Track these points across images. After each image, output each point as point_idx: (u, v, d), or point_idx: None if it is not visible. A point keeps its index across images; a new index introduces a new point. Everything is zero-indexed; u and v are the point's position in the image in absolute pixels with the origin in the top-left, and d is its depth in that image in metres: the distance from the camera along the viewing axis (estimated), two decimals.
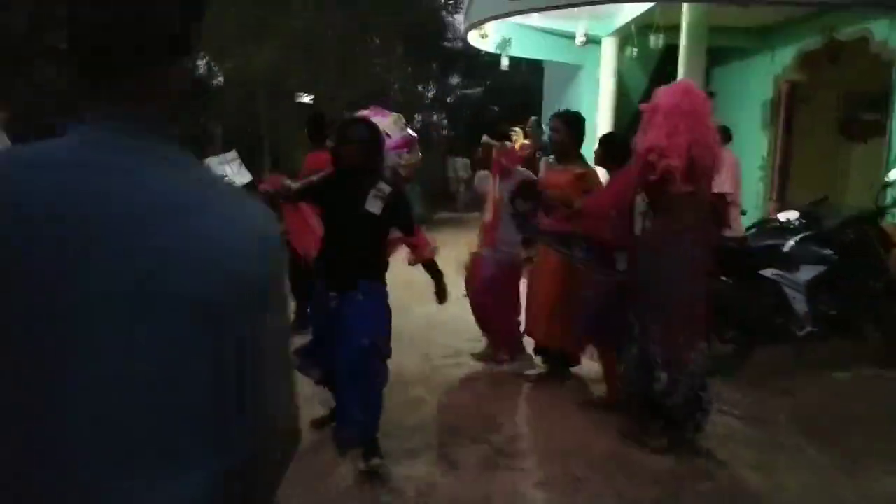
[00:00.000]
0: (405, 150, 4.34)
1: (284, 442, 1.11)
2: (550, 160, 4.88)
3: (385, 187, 3.34)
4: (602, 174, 4.67)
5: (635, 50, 9.60)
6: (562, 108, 5.06)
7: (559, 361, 4.88)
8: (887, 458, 3.68)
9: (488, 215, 4.92)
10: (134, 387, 0.91)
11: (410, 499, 3.19)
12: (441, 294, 3.79)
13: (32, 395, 0.87)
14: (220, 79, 14.86)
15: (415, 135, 4.55)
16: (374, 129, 3.46)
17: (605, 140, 4.65)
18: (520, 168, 5.02)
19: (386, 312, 3.39)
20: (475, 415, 4.22)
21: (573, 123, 4.62)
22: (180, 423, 0.95)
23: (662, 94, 3.81)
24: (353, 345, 3.14)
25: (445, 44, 20.42)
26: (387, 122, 4.18)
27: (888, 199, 5.63)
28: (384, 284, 3.43)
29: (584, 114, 4.79)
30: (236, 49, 12.86)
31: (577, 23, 9.58)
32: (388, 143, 3.91)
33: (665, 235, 3.71)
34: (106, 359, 0.89)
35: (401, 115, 4.53)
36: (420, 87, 19.98)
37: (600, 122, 9.91)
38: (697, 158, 3.61)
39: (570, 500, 3.21)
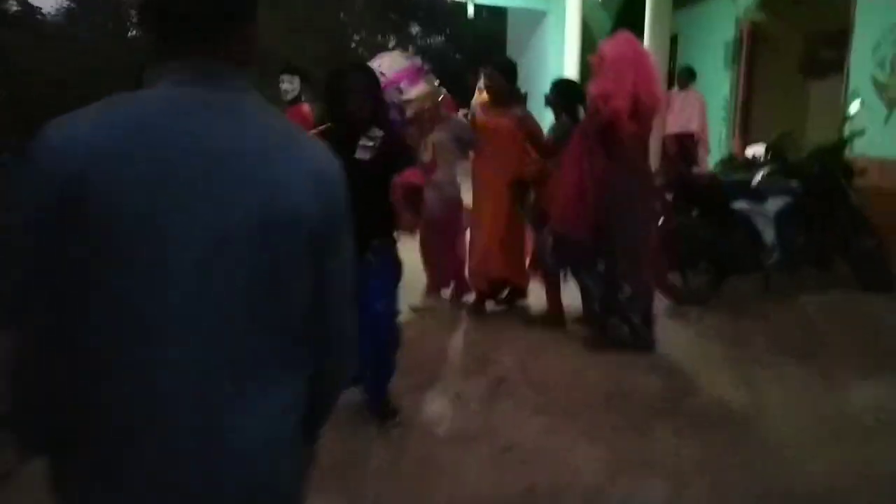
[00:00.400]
0: (405, 82, 3.72)
1: (349, 354, 1.27)
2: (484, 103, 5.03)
3: (376, 132, 3.10)
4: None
5: None
6: (525, 56, 5.19)
7: (507, 298, 5.20)
8: (858, 372, 3.97)
9: (427, 156, 4.95)
10: (258, 299, 1.04)
11: (420, 429, 3.36)
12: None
13: (173, 306, 0.99)
14: None
15: (420, 64, 3.99)
16: (369, 72, 3.28)
17: (556, 85, 4.97)
18: (455, 116, 5.25)
19: (396, 270, 3.29)
20: (470, 353, 4.40)
21: (507, 70, 4.85)
22: (287, 333, 1.09)
23: (606, 45, 4.33)
24: (367, 310, 2.87)
25: None
26: (385, 61, 3.75)
27: (848, 133, 5.87)
28: (393, 239, 3.29)
29: (550, 59, 4.93)
30: None
31: None
32: (384, 80, 3.49)
33: (616, 173, 4.11)
34: (230, 276, 1.01)
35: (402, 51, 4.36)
36: (380, 38, 19.72)
37: (567, 67, 9.98)
38: (641, 100, 4.06)
39: (571, 424, 3.41)
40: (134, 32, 8.24)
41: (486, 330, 4.83)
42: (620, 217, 4.15)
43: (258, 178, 1.02)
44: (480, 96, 5.32)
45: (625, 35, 4.41)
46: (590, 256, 4.30)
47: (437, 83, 4.03)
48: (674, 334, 4.68)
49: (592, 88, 4.20)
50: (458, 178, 5.09)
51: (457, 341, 4.61)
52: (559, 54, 10.00)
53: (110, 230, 0.94)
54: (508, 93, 4.87)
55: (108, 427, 1.00)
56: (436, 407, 3.60)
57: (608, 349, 4.32)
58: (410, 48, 22.31)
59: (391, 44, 21.15)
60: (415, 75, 3.79)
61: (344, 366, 1.28)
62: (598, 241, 4.20)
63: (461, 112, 5.90)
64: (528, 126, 4.79)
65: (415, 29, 22.39)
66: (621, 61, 4.11)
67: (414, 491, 2.81)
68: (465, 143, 4.93)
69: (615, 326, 4.37)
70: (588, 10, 10.47)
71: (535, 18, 12.06)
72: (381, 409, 3.37)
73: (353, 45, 15.15)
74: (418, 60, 3.98)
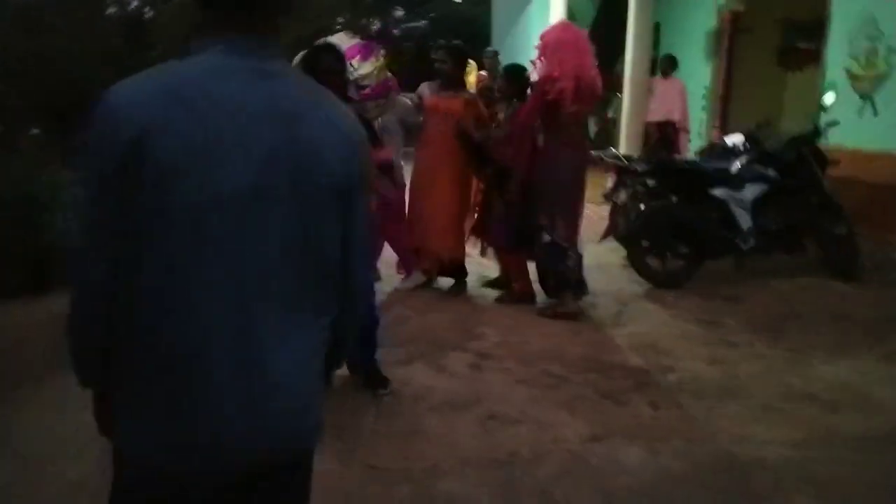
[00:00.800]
0: (357, 58, 3.96)
1: (364, 303, 1.43)
2: (432, 86, 5.22)
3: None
4: None
5: None
6: (508, 41, 5.34)
7: (456, 276, 5.32)
8: (827, 350, 4.15)
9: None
10: (293, 248, 1.17)
11: (410, 398, 3.48)
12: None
13: (216, 250, 1.11)
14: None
15: (371, 41, 4.27)
16: (339, 52, 3.44)
17: (508, 71, 5.19)
18: (400, 96, 5.38)
19: (375, 243, 3.36)
20: (453, 327, 4.53)
21: (458, 55, 5.13)
22: (318, 279, 1.23)
23: (547, 32, 4.74)
24: None
25: None
26: (334, 39, 3.97)
27: (823, 123, 6.05)
28: None
29: (533, 45, 5.05)
30: None
31: None
32: None
33: (558, 148, 4.56)
34: (266, 223, 1.14)
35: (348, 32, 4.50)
36: (363, 21, 19.62)
37: None
38: (582, 83, 4.47)
39: (553, 394, 3.55)
40: (110, 11, 8.16)
41: (464, 308, 4.97)
42: (562, 187, 4.58)
43: (292, 136, 1.14)
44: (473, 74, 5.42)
45: (563, 22, 4.95)
46: (537, 229, 4.63)
47: (383, 59, 4.21)
48: (651, 315, 4.85)
49: (538, 72, 4.61)
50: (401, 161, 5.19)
51: (439, 319, 4.73)
52: None
53: (164, 181, 1.06)
54: (457, 76, 5.14)
55: (159, 359, 1.12)
56: (423, 378, 3.71)
57: (582, 323, 4.55)
58: (395, 31, 22.28)
59: (374, 26, 21.08)
60: (367, 51, 4.03)
61: (360, 314, 1.41)
62: (541, 212, 4.59)
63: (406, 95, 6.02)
64: (476, 109, 5.06)
65: (398, 12, 22.31)
66: (563, 46, 4.52)
67: (402, 454, 2.93)
68: (409, 125, 5.07)
69: (569, 297, 4.72)
70: None
71: (520, 4, 12.16)
72: (371, 379, 3.50)
73: (338, 28, 15.04)
74: (365, 40, 4.21)
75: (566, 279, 4.70)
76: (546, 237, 4.60)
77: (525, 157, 4.61)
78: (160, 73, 1.13)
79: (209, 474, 1.17)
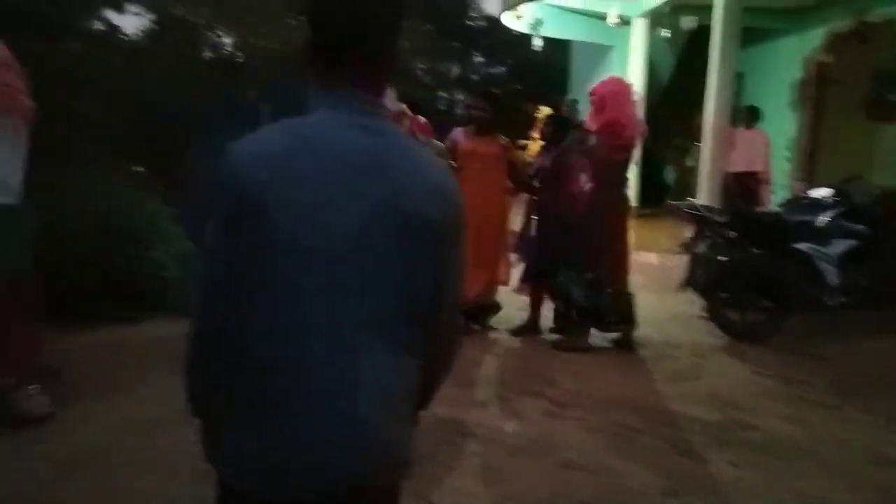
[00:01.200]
0: None
1: (455, 348, 1.50)
2: (466, 131, 5.37)
3: None
4: None
5: (667, 31, 9.78)
6: (588, 87, 5.49)
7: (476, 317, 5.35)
8: None
9: None
10: (391, 293, 1.27)
11: (483, 440, 3.51)
12: None
13: (321, 286, 1.21)
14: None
15: (402, 107, 4.76)
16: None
17: (552, 120, 5.66)
18: (432, 140, 5.77)
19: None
20: (523, 371, 4.57)
21: (496, 102, 5.33)
22: (415, 323, 1.31)
23: (603, 85, 5.01)
24: None
25: (468, 22, 20.54)
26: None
27: None
28: None
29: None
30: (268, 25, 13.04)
31: (610, 3, 9.76)
32: None
33: (604, 192, 4.81)
34: (366, 264, 1.23)
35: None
36: (444, 66, 20.14)
37: None
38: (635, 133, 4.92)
39: (627, 445, 3.51)
40: (207, 55, 8.68)
41: (529, 351, 4.99)
42: (607, 231, 4.87)
43: (393, 188, 1.24)
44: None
45: (613, 76, 5.45)
46: (579, 266, 4.85)
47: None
48: (730, 369, 4.74)
49: (597, 120, 4.84)
50: None
51: (505, 362, 4.77)
52: None
53: (278, 230, 1.17)
54: (495, 122, 5.31)
55: (264, 392, 1.22)
56: (496, 422, 3.74)
57: (659, 373, 4.48)
58: (474, 77, 22.76)
59: (454, 72, 21.60)
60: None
61: (451, 358, 1.48)
62: (587, 252, 4.84)
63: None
64: (512, 154, 5.37)
65: (478, 58, 22.79)
66: (621, 97, 4.90)
67: (471, 492, 2.96)
68: None
69: (587, 333, 4.97)
70: (653, 46, 10.61)
71: (600, 52, 12.26)
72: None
73: (419, 72, 15.51)
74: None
75: (594, 315, 4.90)
76: (589, 274, 4.82)
77: (572, 195, 4.89)
78: (279, 131, 1.24)
79: (299, 498, 1.24)
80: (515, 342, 5.20)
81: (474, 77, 22.85)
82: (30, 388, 3.45)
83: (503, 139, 5.35)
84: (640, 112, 5.16)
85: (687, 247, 5.82)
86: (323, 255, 1.20)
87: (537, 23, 11.11)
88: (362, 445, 1.25)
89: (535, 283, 5.26)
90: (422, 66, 16.61)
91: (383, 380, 1.27)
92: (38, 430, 3.35)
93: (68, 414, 3.51)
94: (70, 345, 4.34)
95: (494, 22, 11.98)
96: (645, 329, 5.21)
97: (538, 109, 9.86)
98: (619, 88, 5.00)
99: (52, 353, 3.78)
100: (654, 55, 10.90)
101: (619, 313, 4.96)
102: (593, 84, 5.11)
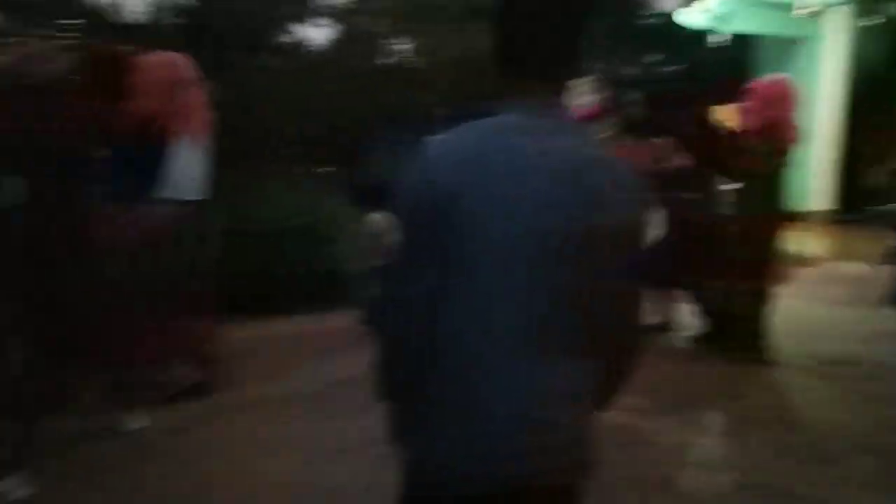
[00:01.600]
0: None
1: (636, 348, 1.45)
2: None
3: None
4: None
5: (867, 20, 8.89)
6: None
7: None
8: None
9: None
10: (572, 293, 1.25)
11: (658, 450, 3.36)
12: None
13: (506, 289, 1.22)
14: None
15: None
16: None
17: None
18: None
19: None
20: (702, 381, 4.32)
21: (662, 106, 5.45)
22: (596, 324, 1.28)
23: (764, 84, 4.71)
24: None
25: (640, 21, 19.83)
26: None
27: None
28: None
29: (805, 89, 4.80)
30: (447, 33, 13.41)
31: None
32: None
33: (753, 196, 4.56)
34: (557, 273, 1.23)
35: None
36: (617, 65, 19.62)
37: (823, 97, 9.30)
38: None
39: (822, 470, 3.18)
40: (383, 61, 9.05)
41: (710, 361, 4.68)
42: (753, 240, 4.54)
43: (578, 189, 1.23)
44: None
45: (778, 75, 5.18)
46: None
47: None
48: None
49: (754, 121, 4.53)
50: None
51: (680, 369, 4.52)
52: (813, 84, 9.32)
53: (466, 233, 1.20)
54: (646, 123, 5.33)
55: (451, 391, 1.26)
56: (674, 434, 3.56)
57: (863, 395, 4.09)
58: (649, 77, 21.99)
59: (628, 71, 20.99)
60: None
61: (631, 364, 1.44)
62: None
63: None
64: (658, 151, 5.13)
65: (653, 57, 22.00)
66: (780, 97, 4.54)
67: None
68: None
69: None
70: (853, 37, 9.70)
71: (786, 46, 11.38)
72: None
73: (597, 73, 15.23)
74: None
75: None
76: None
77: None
78: (469, 133, 1.26)
79: (484, 484, 1.25)
80: (694, 350, 4.92)
81: (648, 77, 22.09)
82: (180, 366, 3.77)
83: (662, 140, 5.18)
84: (797, 116, 4.62)
85: (892, 257, 5.29)
86: (516, 259, 1.21)
87: (723, 17, 10.51)
88: (541, 442, 1.25)
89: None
90: (597, 66, 16.28)
91: (565, 383, 1.27)
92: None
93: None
94: (251, 333, 4.74)
95: (668, 18, 11.46)
96: (841, 346, 4.82)
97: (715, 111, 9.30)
98: (782, 89, 4.65)
99: (229, 342, 4.11)
100: (855, 47, 9.93)
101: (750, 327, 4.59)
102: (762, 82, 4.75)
